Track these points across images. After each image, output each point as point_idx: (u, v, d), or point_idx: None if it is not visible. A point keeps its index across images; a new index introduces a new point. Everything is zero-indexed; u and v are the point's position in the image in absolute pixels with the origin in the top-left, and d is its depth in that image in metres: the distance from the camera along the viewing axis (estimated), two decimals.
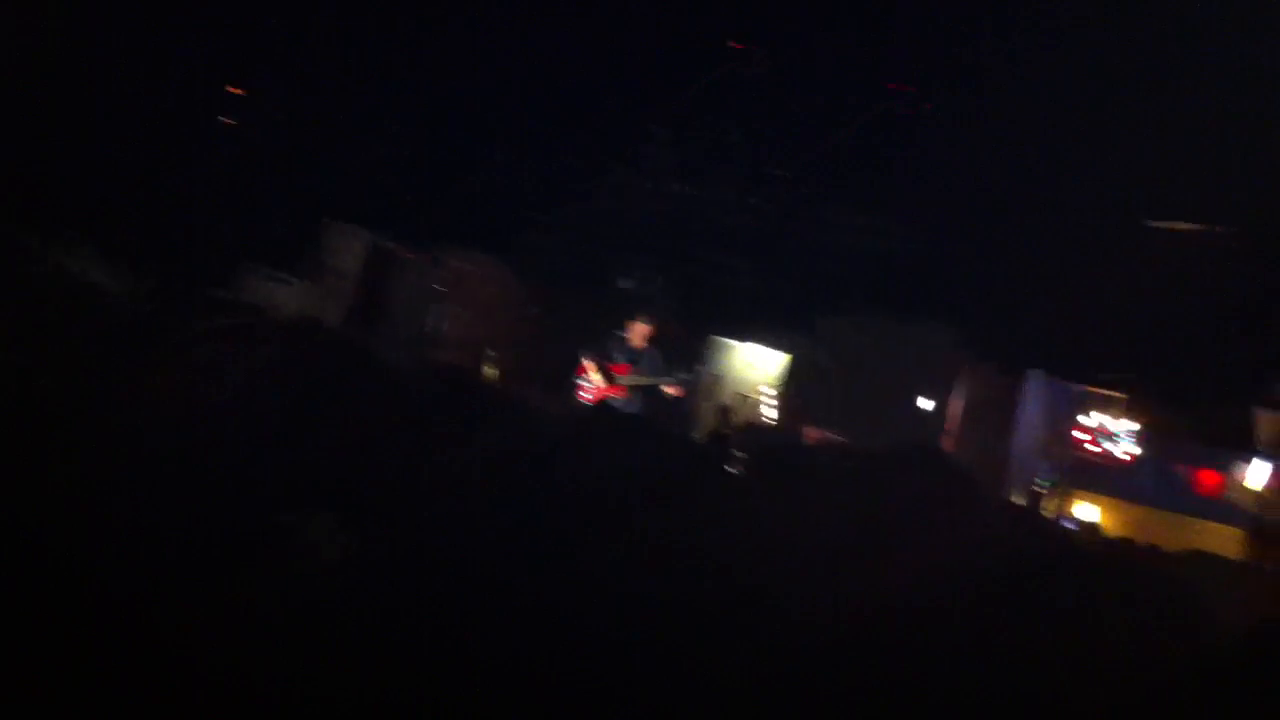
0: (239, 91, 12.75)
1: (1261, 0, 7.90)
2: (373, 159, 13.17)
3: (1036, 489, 12.49)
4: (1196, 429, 12.20)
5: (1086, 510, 12.30)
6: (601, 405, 9.15)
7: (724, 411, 12.67)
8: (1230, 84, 8.67)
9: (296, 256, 12.73)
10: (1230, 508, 11.45)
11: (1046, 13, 9.07)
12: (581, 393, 10.11)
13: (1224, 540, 10.32)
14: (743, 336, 14.59)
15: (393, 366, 4.47)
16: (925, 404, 13.53)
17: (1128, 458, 12.88)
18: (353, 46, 11.99)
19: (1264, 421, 11.35)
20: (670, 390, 10.07)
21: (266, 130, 12.91)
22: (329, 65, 12.12)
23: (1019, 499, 12.27)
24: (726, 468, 6.78)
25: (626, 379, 10.01)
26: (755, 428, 12.19)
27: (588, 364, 10.09)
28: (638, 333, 10.11)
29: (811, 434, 11.74)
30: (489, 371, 12.81)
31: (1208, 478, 12.06)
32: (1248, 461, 11.46)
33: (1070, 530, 9.62)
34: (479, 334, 13.61)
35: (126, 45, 10.77)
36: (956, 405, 13.43)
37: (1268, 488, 11.28)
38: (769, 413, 13.87)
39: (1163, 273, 10.95)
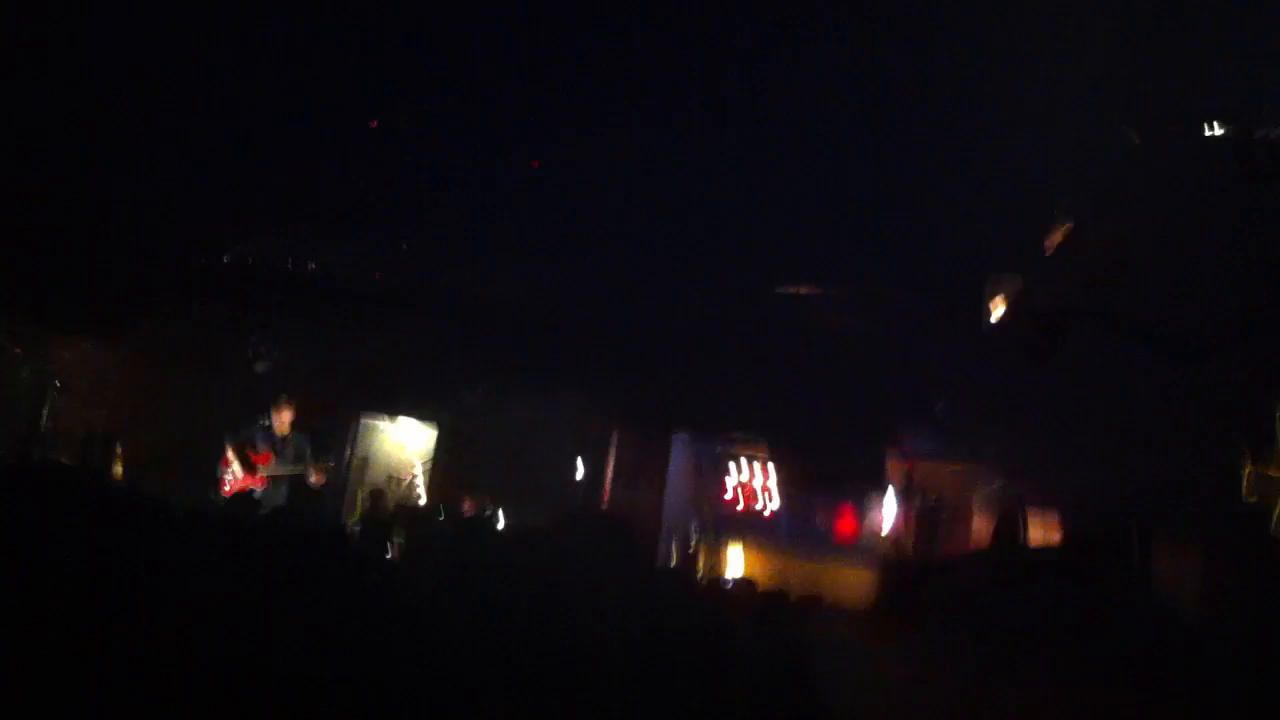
0: None
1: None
2: None
3: (690, 547, 12.82)
4: (833, 476, 12.87)
5: (736, 561, 12.69)
6: (239, 498, 8.66)
7: (376, 495, 12.30)
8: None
9: None
10: (865, 550, 12.11)
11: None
12: (223, 484, 9.61)
13: (860, 581, 10.86)
14: (391, 412, 14.25)
15: None
16: (579, 471, 13.65)
17: (769, 512, 13.44)
18: None
19: (893, 467, 12.11)
20: (314, 478, 9.70)
21: None
22: None
23: (675, 556, 12.55)
24: (385, 555, 6.54)
25: (268, 469, 9.59)
26: (408, 509, 11.86)
27: (230, 453, 9.62)
28: (282, 419, 9.73)
29: (468, 506, 11.56)
30: (117, 468, 11.87)
31: (844, 524, 12.76)
32: (880, 508, 12.20)
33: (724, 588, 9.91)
34: (103, 426, 12.59)
35: None
36: (609, 470, 13.61)
37: (894, 530, 12.02)
38: (420, 492, 13.61)
39: (791, 332, 11.54)
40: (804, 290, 11.17)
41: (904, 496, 11.87)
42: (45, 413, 12.67)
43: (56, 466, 6.00)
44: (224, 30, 9.09)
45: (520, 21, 8.75)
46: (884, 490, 12.19)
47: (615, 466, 13.62)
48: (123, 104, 9.89)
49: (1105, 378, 7.93)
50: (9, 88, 9.46)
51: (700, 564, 12.64)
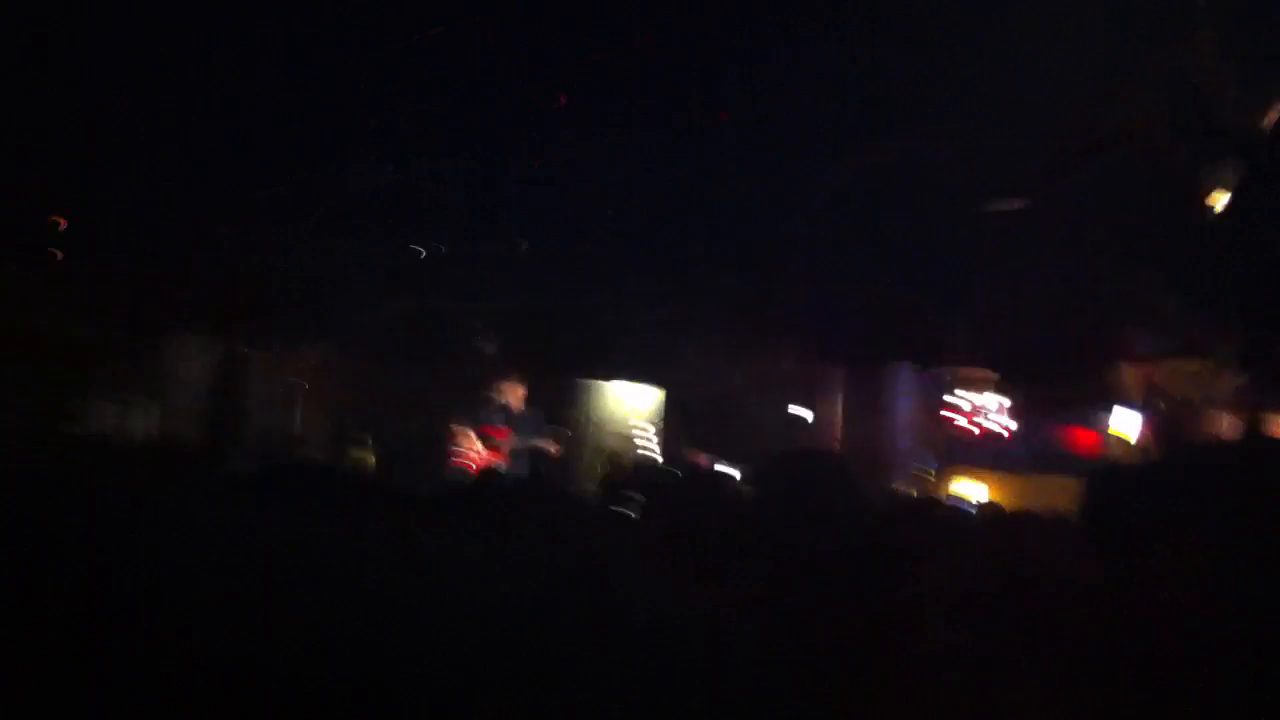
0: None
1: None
2: (204, 263, 12.85)
3: (923, 476, 12.69)
4: (1067, 394, 12.53)
5: (976, 489, 12.50)
6: (487, 473, 9.01)
7: (612, 458, 12.59)
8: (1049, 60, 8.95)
9: (141, 376, 12.30)
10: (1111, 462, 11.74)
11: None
12: (463, 462, 9.99)
13: None
14: (611, 377, 14.54)
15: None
16: (804, 414, 13.66)
17: (1005, 432, 13.17)
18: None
19: (1129, 374, 11.70)
20: (552, 448, 10.01)
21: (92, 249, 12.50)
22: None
23: (909, 488, 12.44)
24: (626, 511, 6.73)
25: (507, 444, 9.93)
26: (645, 468, 12.10)
27: (466, 433, 9.99)
28: (512, 394, 10.06)
29: (703, 461, 11.74)
30: (362, 456, 12.53)
31: (1085, 437, 12.38)
32: (1122, 414, 11.80)
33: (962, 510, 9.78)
34: (346, 421, 13.29)
35: None
36: (833, 409, 13.58)
37: (1141, 436, 11.62)
38: (652, 450, 13.84)
39: (1004, 251, 11.27)
40: (1011, 205, 10.89)
41: (1144, 402, 11.44)
42: (298, 414, 13.46)
43: (314, 463, 6.38)
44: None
45: None
46: (1123, 398, 11.79)
47: (844, 408, 13.58)
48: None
49: None
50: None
51: (941, 493, 12.49)
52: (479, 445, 9.92)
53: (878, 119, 10.70)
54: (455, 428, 10.25)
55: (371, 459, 11.83)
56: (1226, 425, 9.51)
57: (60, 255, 12.40)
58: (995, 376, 13.28)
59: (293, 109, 11.16)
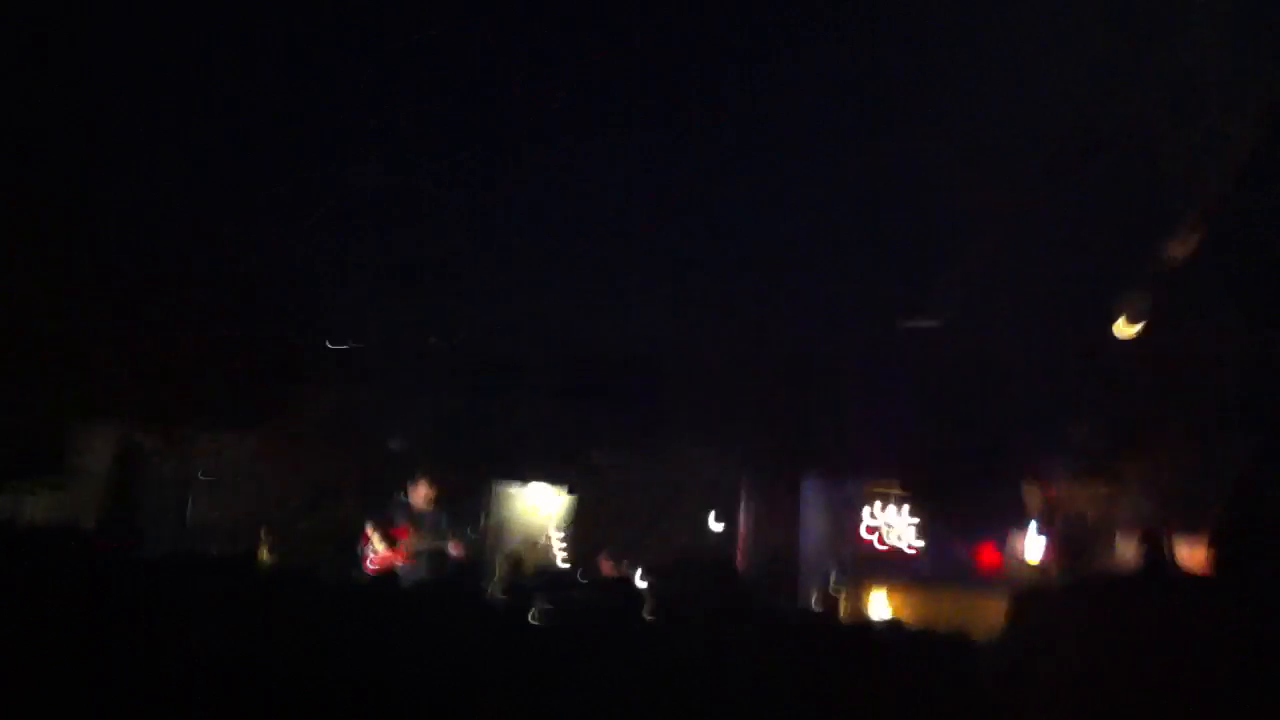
0: None
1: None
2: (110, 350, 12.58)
3: (832, 591, 12.69)
4: (973, 511, 12.68)
5: (880, 602, 12.55)
6: (385, 576, 8.85)
7: (514, 560, 12.45)
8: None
9: (44, 464, 11.97)
10: (1012, 580, 11.85)
11: None
12: (367, 562, 9.82)
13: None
14: (523, 478, 14.46)
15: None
16: (716, 525, 13.65)
17: (912, 550, 13.28)
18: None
19: (1031, 495, 11.87)
20: (454, 551, 9.88)
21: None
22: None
23: (817, 604, 12.44)
24: (530, 620, 6.62)
25: (409, 544, 9.79)
26: (548, 573, 12.01)
27: (371, 531, 9.84)
28: (420, 494, 9.96)
29: (606, 567, 11.64)
30: (264, 554, 12.24)
31: (988, 556, 12.52)
32: (1023, 534, 11.95)
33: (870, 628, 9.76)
34: (249, 514, 13.00)
35: None
36: (744, 518, 13.59)
37: (1042, 556, 11.75)
38: (559, 554, 13.73)
39: (915, 368, 11.45)
40: (923, 323, 11.09)
41: (1046, 523, 11.61)
42: (190, 505, 13.14)
43: (203, 558, 6.21)
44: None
45: None
46: (1025, 518, 11.96)
47: (749, 516, 13.60)
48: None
49: (1242, 386, 7.72)
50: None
51: (843, 607, 12.51)
52: (380, 545, 9.74)
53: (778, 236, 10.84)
54: (358, 525, 10.08)
55: (266, 554, 11.57)
56: (1126, 546, 9.66)
57: None
58: (903, 492, 13.41)
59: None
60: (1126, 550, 9.07)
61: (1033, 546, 11.75)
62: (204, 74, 8.89)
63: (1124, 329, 8.96)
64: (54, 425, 12.33)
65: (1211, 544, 2.89)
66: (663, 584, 3.90)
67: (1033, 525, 11.81)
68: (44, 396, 11.99)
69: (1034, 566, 11.65)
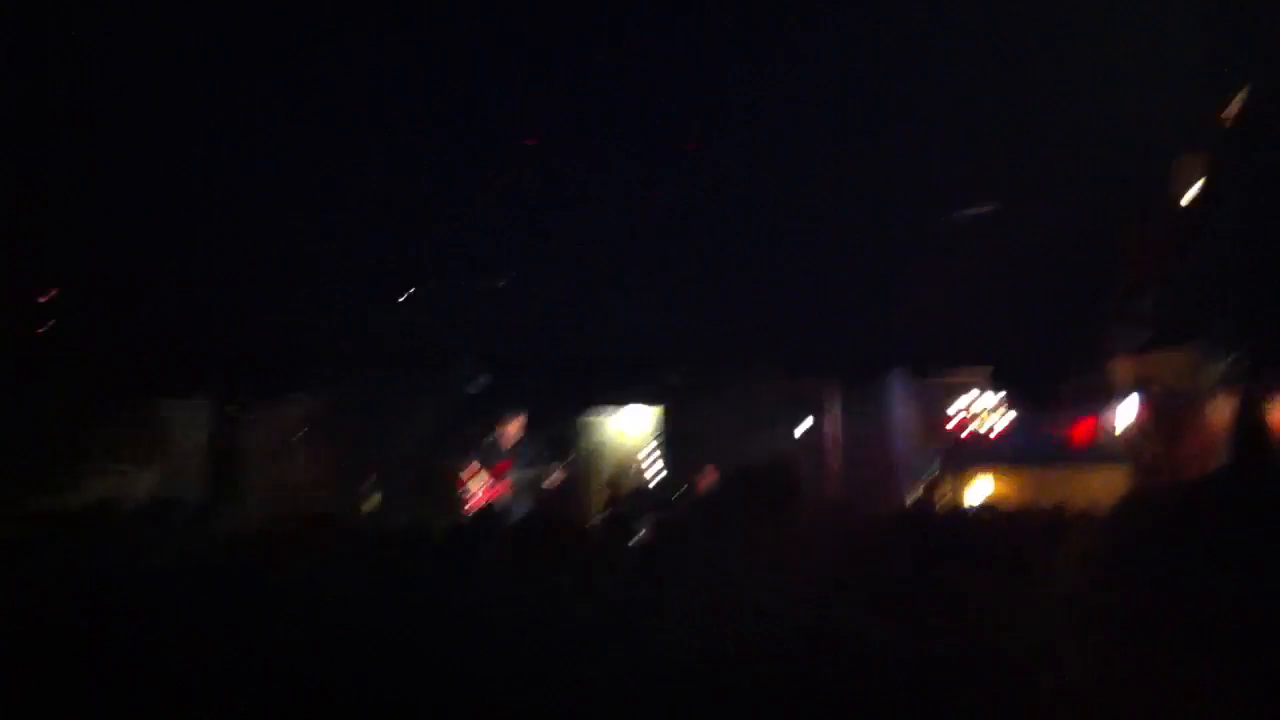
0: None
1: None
2: (192, 327, 12.91)
3: (928, 480, 12.71)
4: (1061, 387, 12.60)
5: (981, 487, 12.53)
6: (485, 510, 9.04)
7: (613, 485, 12.61)
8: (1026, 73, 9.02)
9: (133, 443, 12.31)
10: (1109, 450, 11.77)
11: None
12: (467, 502, 10.04)
13: (1113, 480, 10.55)
14: (612, 403, 14.57)
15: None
16: (803, 428, 13.68)
17: (1002, 429, 13.22)
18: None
19: (1119, 366, 11.75)
20: (550, 479, 10.07)
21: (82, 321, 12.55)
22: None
23: (915, 494, 12.48)
24: (629, 543, 6.75)
25: (507, 477, 9.98)
26: (644, 492, 12.15)
27: (466, 471, 10.05)
28: (509, 430, 10.13)
29: (703, 484, 11.73)
30: (368, 503, 12.55)
31: (1080, 429, 12.42)
32: (1113, 407, 11.83)
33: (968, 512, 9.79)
34: (345, 472, 13.31)
35: None
36: (832, 422, 13.61)
37: (1138, 422, 11.64)
38: (653, 473, 13.85)
39: (991, 255, 11.34)
40: (989, 207, 10.97)
41: (1135, 392, 11.48)
42: (298, 467, 13.46)
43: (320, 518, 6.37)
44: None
45: None
46: (1114, 388, 11.83)
47: (838, 419, 13.61)
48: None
49: None
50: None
51: (939, 496, 12.52)
52: (481, 481, 9.96)
53: (853, 128, 10.78)
54: (456, 467, 10.31)
55: (376, 505, 11.86)
56: (1217, 411, 9.55)
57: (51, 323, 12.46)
58: (988, 374, 13.33)
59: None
60: (1220, 416, 8.98)
61: (1124, 418, 11.64)
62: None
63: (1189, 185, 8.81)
64: (147, 403, 12.66)
65: None
66: (725, 492, 3.95)
67: (1123, 398, 11.69)
68: (135, 376, 12.33)
69: (1128, 439, 11.55)
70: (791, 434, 13.62)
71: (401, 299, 13.75)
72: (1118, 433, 11.68)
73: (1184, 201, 9.03)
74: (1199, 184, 8.91)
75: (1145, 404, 11.22)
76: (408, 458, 12.91)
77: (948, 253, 11.42)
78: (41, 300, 12.23)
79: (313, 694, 2.71)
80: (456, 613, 3.28)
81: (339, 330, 13.45)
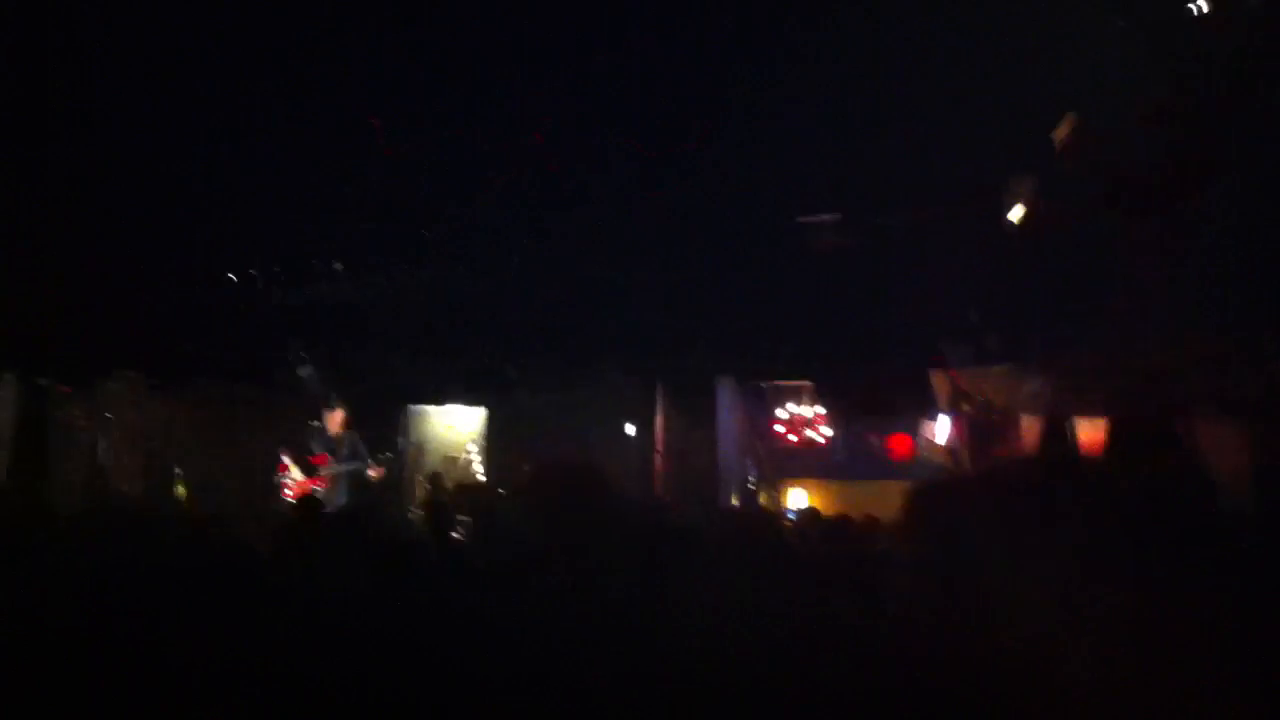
0: None
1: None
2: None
3: (750, 487, 12.91)
4: (879, 401, 12.93)
5: (798, 496, 12.79)
6: (305, 500, 8.81)
7: (435, 478, 12.45)
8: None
9: None
10: (923, 466, 12.14)
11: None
12: (284, 490, 9.79)
13: None
14: (438, 400, 14.42)
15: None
16: (629, 430, 13.75)
17: (823, 440, 13.50)
18: None
19: (938, 382, 12.14)
20: (372, 472, 9.89)
21: None
22: None
23: (735, 500, 12.66)
24: (451, 534, 6.66)
25: (327, 469, 9.77)
26: (467, 487, 12.02)
27: (286, 460, 9.81)
28: (334, 420, 9.92)
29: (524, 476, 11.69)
30: (180, 490, 12.12)
31: (898, 443, 12.80)
32: (933, 420, 12.23)
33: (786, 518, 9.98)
34: (160, 454, 12.83)
35: None
36: (660, 425, 13.71)
37: (951, 441, 12.05)
38: (477, 470, 13.76)
39: (818, 263, 11.57)
40: (823, 219, 11.19)
41: (953, 408, 11.89)
42: (101, 447, 12.91)
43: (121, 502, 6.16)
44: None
45: None
46: (932, 405, 12.23)
47: (664, 423, 13.72)
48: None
49: (1125, 261, 7.94)
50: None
51: (761, 501, 12.74)
52: (297, 473, 9.71)
53: (700, 129, 10.86)
54: (274, 455, 10.04)
55: (184, 492, 11.46)
56: (1028, 428, 9.96)
57: None
58: (812, 386, 13.61)
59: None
60: (1031, 435, 9.35)
61: (941, 433, 12.04)
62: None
63: (1015, 209, 9.14)
64: None
65: (1110, 429, 2.98)
66: (527, 493, 3.91)
67: (941, 413, 12.09)
68: None
69: (944, 453, 11.94)
70: (619, 435, 13.68)
71: (232, 279, 13.37)
72: (936, 448, 12.08)
73: (1014, 219, 9.35)
74: (1026, 204, 9.25)
75: (961, 420, 11.64)
76: (224, 444, 12.54)
77: (782, 261, 11.60)
78: None
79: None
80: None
81: (162, 310, 12.99)
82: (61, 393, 12.71)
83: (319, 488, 9.56)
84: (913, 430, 12.69)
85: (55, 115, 9.80)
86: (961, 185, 9.77)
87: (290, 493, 9.64)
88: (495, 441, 13.91)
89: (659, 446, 13.53)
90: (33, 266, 11.72)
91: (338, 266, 13.14)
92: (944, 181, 9.70)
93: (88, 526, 4.02)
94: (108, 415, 12.96)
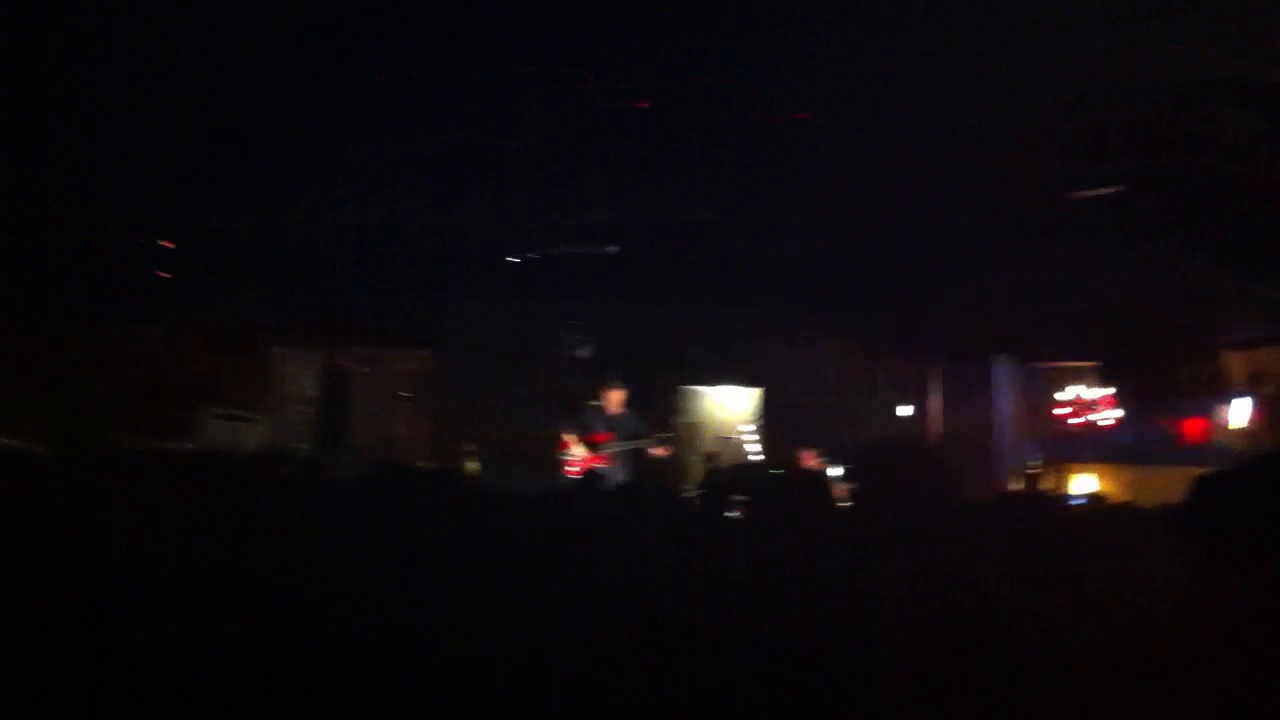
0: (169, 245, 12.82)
1: None
2: (302, 277, 13.29)
3: (1030, 471, 12.53)
4: (1171, 382, 12.31)
5: (1084, 482, 12.33)
6: (588, 475, 9.13)
7: (710, 457, 12.65)
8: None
9: (249, 391, 12.67)
10: (1220, 450, 11.50)
11: None
12: (567, 467, 10.13)
13: None
14: (708, 380, 14.63)
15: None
16: (904, 410, 13.58)
17: (1111, 422, 12.96)
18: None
19: (1234, 362, 11.46)
20: (655, 450, 10.12)
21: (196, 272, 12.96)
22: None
23: (1015, 483, 12.32)
24: (726, 514, 6.77)
25: (609, 446, 10.05)
26: (743, 467, 12.15)
27: (568, 437, 10.15)
28: (613, 399, 10.21)
29: (805, 459, 11.71)
30: (470, 466, 12.76)
31: (1192, 426, 12.13)
32: (1227, 403, 11.55)
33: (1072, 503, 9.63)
34: (452, 429, 13.56)
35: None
36: (935, 405, 13.49)
37: (1251, 423, 11.36)
38: (752, 449, 13.87)
39: (1099, 240, 11.12)
40: (1101, 190, 10.74)
41: (1252, 388, 11.17)
42: (397, 420, 13.76)
43: (417, 470, 6.51)
44: None
45: None
46: (1227, 384, 11.54)
47: (945, 402, 13.48)
48: None
49: None
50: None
51: (1046, 485, 12.34)
52: (581, 450, 10.05)
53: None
54: (558, 433, 10.42)
55: (477, 466, 12.04)
56: None
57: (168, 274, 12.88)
58: (1097, 367, 13.09)
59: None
60: None
61: (1239, 416, 11.35)
62: None
63: None
64: (263, 355, 13.04)
65: None
66: (861, 470, 3.92)
67: (1238, 395, 11.40)
68: (249, 327, 12.69)
69: (1243, 437, 11.25)
70: (893, 417, 13.53)
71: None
72: (1231, 430, 11.40)
73: None
74: None
75: (1260, 401, 10.94)
76: (514, 421, 13.13)
77: (1061, 237, 11.20)
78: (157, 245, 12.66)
79: None
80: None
81: (451, 289, 13.75)
82: (361, 370, 13.60)
83: (602, 465, 9.85)
84: (1208, 413, 12.00)
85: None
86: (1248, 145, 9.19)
87: (575, 469, 9.97)
88: (770, 422, 13.98)
89: (935, 429, 13.31)
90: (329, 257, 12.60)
91: (612, 250, 13.54)
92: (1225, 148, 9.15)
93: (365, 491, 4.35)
94: (402, 394, 13.79)
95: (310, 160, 11.79)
